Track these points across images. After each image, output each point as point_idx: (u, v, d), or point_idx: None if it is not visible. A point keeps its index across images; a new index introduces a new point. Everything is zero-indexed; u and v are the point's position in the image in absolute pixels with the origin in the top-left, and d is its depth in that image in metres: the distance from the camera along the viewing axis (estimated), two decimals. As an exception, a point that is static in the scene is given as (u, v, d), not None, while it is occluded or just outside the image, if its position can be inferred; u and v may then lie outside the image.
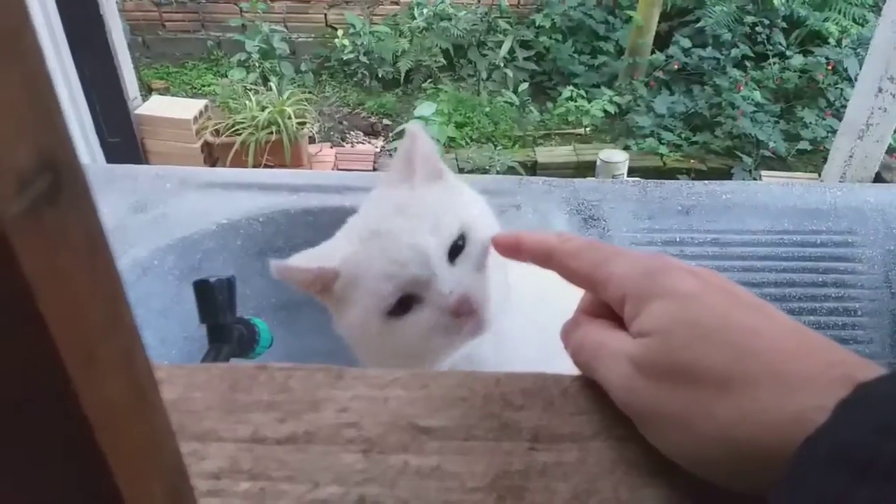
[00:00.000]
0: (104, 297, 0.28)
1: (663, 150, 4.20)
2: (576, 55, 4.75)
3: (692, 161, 4.18)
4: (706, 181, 1.69)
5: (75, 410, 0.25)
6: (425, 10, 4.49)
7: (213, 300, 0.84)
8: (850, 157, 3.50)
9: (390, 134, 4.38)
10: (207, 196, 1.54)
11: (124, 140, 2.98)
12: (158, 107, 3.12)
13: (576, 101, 4.42)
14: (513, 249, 0.61)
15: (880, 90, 3.22)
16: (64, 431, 0.25)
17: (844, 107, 3.70)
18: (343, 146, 4.19)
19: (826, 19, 4.42)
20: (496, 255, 0.65)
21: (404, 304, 0.66)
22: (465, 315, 0.65)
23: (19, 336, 0.23)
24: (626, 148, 4.21)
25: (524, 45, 4.74)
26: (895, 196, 1.68)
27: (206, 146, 3.13)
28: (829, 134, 3.96)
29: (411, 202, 0.67)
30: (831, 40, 4.36)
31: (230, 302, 0.86)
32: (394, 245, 0.65)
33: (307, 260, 0.69)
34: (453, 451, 0.49)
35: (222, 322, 0.85)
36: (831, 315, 1.53)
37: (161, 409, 0.32)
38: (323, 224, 1.61)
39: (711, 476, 0.42)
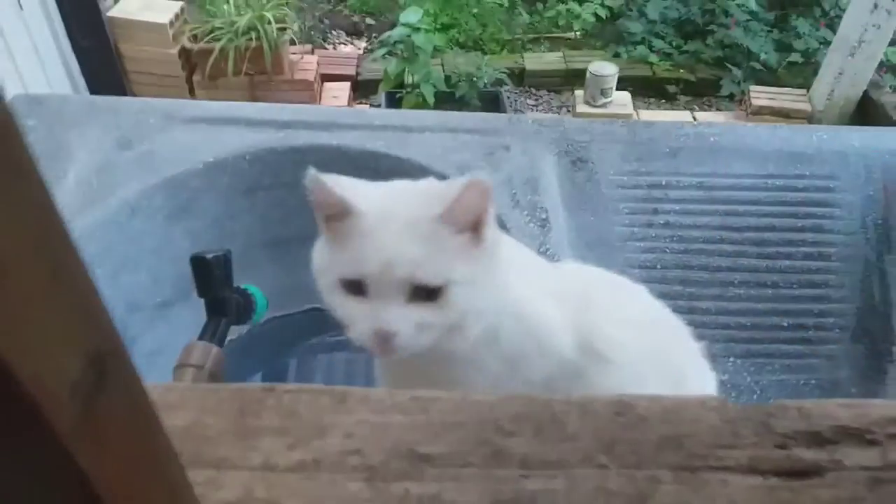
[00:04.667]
0: (152, 456, 0.31)
1: (653, 58, 4.12)
2: (568, -47, 4.55)
3: (681, 71, 4.11)
4: (695, 123, 1.69)
5: None
6: None
7: (211, 275, 0.86)
8: (840, 73, 3.47)
9: (374, 35, 4.24)
10: (193, 132, 1.52)
11: (97, 43, 2.87)
12: (132, 8, 2.98)
13: (567, 4, 4.28)
14: None
15: (875, 6, 3.16)
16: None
17: (839, 17, 3.63)
18: (326, 48, 4.06)
19: (829, -79, 4.25)
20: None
21: (355, 286, 0.72)
22: (377, 342, 0.72)
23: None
24: (616, 56, 4.13)
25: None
26: (879, 140, 1.70)
27: (184, 52, 3.02)
28: (822, 46, 3.89)
29: (427, 232, 0.71)
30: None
31: (227, 275, 0.88)
32: (383, 243, 0.71)
33: (340, 185, 0.73)
34: (450, 478, 0.54)
35: (220, 295, 0.87)
36: (806, 259, 1.59)
37: None
38: (311, 162, 1.60)
39: None
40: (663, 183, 1.59)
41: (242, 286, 0.94)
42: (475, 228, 0.73)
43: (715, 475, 0.55)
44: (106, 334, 0.27)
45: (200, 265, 0.86)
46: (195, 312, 1.05)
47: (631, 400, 0.58)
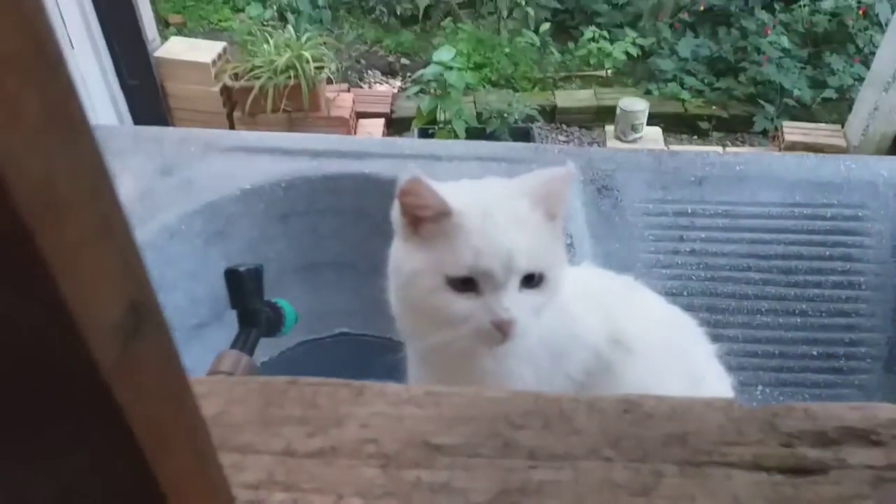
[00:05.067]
0: (177, 400, 0.34)
1: (685, 95, 4.14)
2: (600, -7, 4.64)
3: (714, 108, 4.13)
4: (720, 152, 1.71)
5: (152, 481, 0.32)
6: (445, -54, 4.39)
7: (243, 287, 0.91)
8: (875, 109, 3.45)
9: (408, 74, 4.35)
10: (231, 160, 1.59)
11: (144, 83, 3.00)
12: (178, 49, 3.13)
13: (598, 43, 4.34)
14: None
15: (910, 41, 3.15)
16: (148, 497, 0.33)
17: (873, 53, 3.62)
18: (361, 87, 4.17)
19: (860, -40, 4.27)
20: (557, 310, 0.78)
21: (465, 283, 0.75)
22: (501, 332, 0.74)
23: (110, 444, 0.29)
24: (648, 93, 4.16)
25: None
26: (907, 170, 1.69)
27: (225, 90, 3.15)
28: (856, 82, 3.88)
29: (527, 222, 0.75)
30: (865, -18, 4.23)
31: (258, 288, 0.92)
32: (498, 238, 0.74)
33: (436, 185, 0.75)
34: (461, 467, 0.56)
35: (251, 307, 0.92)
36: (835, 288, 1.57)
37: (217, 464, 0.40)
38: (343, 189, 1.66)
39: None
40: (689, 211, 1.60)
41: (273, 300, 0.99)
42: (554, 218, 0.77)
43: (719, 470, 0.56)
44: (144, 287, 0.31)
45: (234, 278, 0.91)
46: (229, 333, 1.10)
47: (638, 399, 0.60)
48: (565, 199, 0.77)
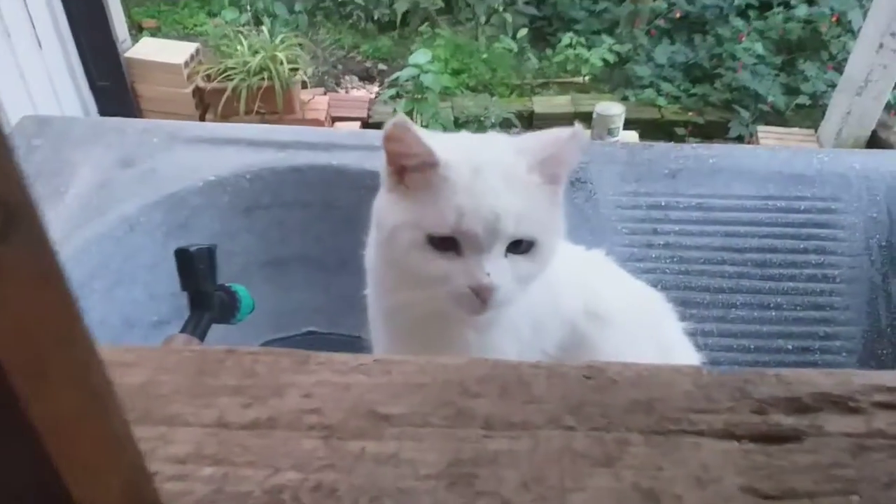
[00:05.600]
0: (56, 323, 0.29)
1: (661, 101, 4.15)
2: (576, 0, 4.65)
3: (690, 113, 4.14)
4: (693, 144, 1.69)
5: (24, 420, 0.27)
6: (422, -49, 4.38)
7: (194, 268, 0.86)
8: (848, 113, 3.47)
9: (385, 79, 4.33)
10: (195, 151, 1.54)
11: (114, 84, 2.95)
12: (149, 50, 3.07)
13: (575, 49, 4.35)
14: None
15: (881, 46, 3.18)
16: (16, 440, 0.28)
17: (846, 60, 3.66)
18: (337, 91, 4.13)
19: (834, -32, 4.32)
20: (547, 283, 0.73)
21: (447, 242, 0.70)
22: (480, 299, 0.69)
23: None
24: (625, 98, 4.17)
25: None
26: (881, 162, 1.68)
27: (198, 91, 3.10)
28: (829, 89, 3.91)
29: (522, 183, 0.70)
30: (837, -11, 4.27)
31: (211, 270, 0.88)
32: (486, 197, 0.68)
33: (426, 135, 0.70)
34: (410, 437, 0.52)
35: (203, 289, 0.87)
36: (810, 281, 1.56)
37: (118, 412, 0.35)
38: (311, 181, 1.62)
39: None
40: (663, 204, 1.58)
41: (228, 284, 0.94)
42: (555, 182, 0.73)
43: (687, 439, 0.52)
44: (15, 184, 0.27)
45: (184, 258, 0.86)
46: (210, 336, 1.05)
47: (602, 365, 0.56)
48: (570, 163, 0.72)
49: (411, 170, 0.70)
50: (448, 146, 0.71)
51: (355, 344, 1.02)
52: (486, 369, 0.55)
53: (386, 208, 0.74)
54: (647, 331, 0.87)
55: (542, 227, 0.71)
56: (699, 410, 0.52)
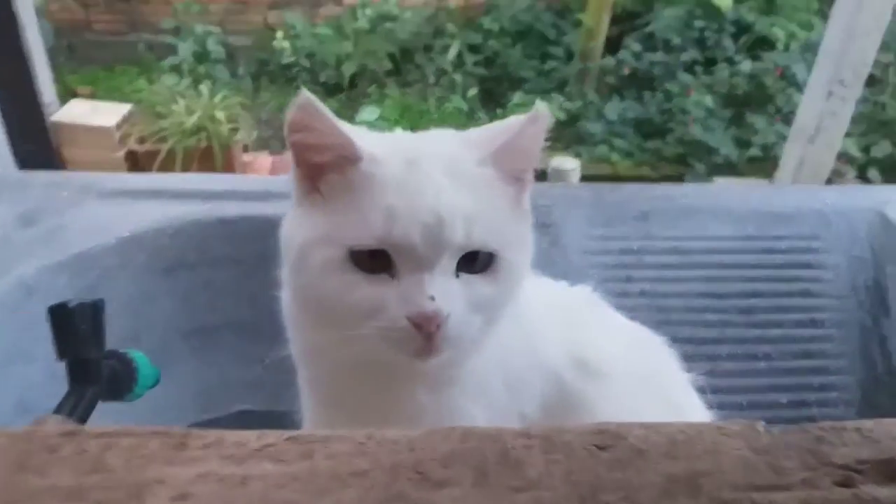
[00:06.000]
0: None
1: (615, 157, 4.12)
2: (525, 59, 4.65)
3: (644, 168, 4.11)
4: (663, 184, 1.58)
5: None
6: (368, 11, 4.34)
7: (74, 329, 0.68)
8: (801, 162, 3.46)
9: (335, 142, 4.20)
10: (110, 206, 1.36)
11: (39, 148, 2.75)
12: (78, 112, 2.89)
13: (526, 108, 4.31)
14: None
15: (830, 93, 3.18)
16: None
17: (793, 112, 3.69)
18: (282, 153, 3.99)
19: (773, 24, 4.42)
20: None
21: (376, 259, 0.53)
22: (423, 336, 0.52)
23: None
24: (578, 155, 4.13)
25: (473, 49, 4.62)
26: (856, 199, 1.60)
27: (131, 155, 2.91)
28: (780, 140, 3.93)
29: (471, 178, 0.55)
30: (779, 45, 4.36)
31: (96, 331, 0.69)
32: (423, 194, 0.52)
33: (340, 121, 0.55)
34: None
35: (86, 356, 0.68)
36: (798, 327, 1.43)
37: None
38: (242, 234, 1.43)
39: None
40: (635, 248, 1.44)
41: (123, 350, 0.75)
42: (518, 182, 0.59)
43: (754, 533, 0.36)
44: None
45: (60, 317, 0.68)
46: (99, 419, 0.85)
47: (616, 428, 0.39)
48: (533, 153, 0.58)
49: (326, 169, 0.55)
50: (374, 141, 0.57)
51: (299, 423, 0.84)
52: (453, 443, 0.38)
53: (293, 226, 0.59)
54: (651, 384, 0.72)
55: (503, 237, 0.55)
56: (764, 487, 0.36)
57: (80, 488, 0.35)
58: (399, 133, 0.64)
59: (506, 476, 0.36)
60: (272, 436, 0.39)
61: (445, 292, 0.52)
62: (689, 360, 1.40)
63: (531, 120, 0.57)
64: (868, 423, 0.40)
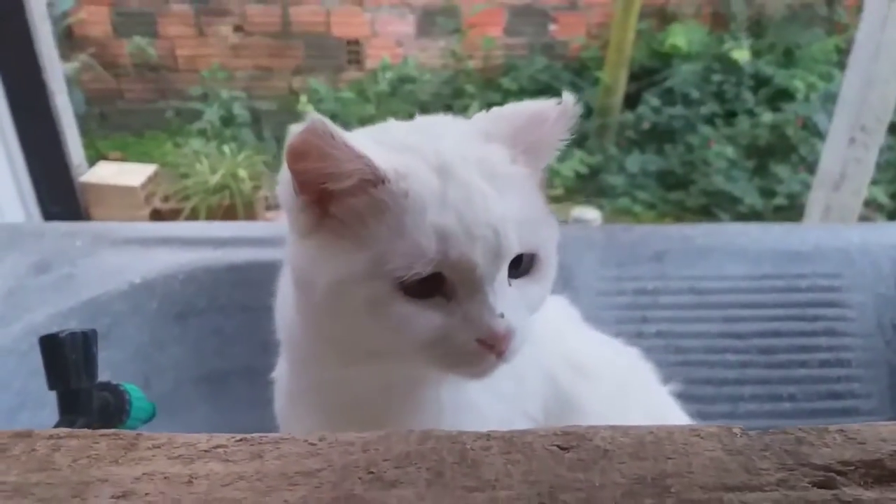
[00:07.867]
0: None
1: (637, 208, 4.10)
2: (546, 117, 4.71)
3: (667, 219, 4.08)
4: (677, 224, 1.56)
5: None
6: (388, 74, 4.45)
7: (64, 359, 0.67)
8: (827, 209, 3.40)
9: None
10: (122, 254, 1.38)
11: (67, 209, 2.82)
12: (105, 174, 2.98)
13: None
14: None
15: (853, 140, 3.15)
16: None
17: (817, 161, 3.65)
18: (307, 213, 4.04)
19: (792, 76, 4.43)
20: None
21: (427, 283, 0.49)
22: (496, 352, 0.49)
23: None
24: (601, 208, 4.12)
25: (492, 108, 4.69)
26: (881, 235, 1.55)
27: (155, 213, 2.98)
28: (805, 189, 3.89)
29: (509, 179, 0.52)
30: (799, 96, 4.36)
31: (87, 362, 0.69)
32: (472, 206, 0.49)
33: (353, 137, 0.50)
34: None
35: (76, 387, 0.68)
36: (823, 367, 1.38)
37: None
38: (253, 281, 1.43)
39: None
40: (650, 288, 1.42)
41: (116, 383, 0.74)
42: (537, 168, 0.57)
43: (727, 534, 0.33)
44: None
45: (51, 347, 0.67)
46: None
47: (583, 430, 0.37)
48: (556, 146, 0.57)
49: (342, 195, 0.51)
50: (381, 147, 0.52)
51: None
52: (410, 444, 0.36)
53: (310, 261, 0.53)
54: (635, 391, 0.70)
55: (541, 235, 0.54)
56: (736, 487, 0.33)
57: (25, 485, 0.34)
58: (393, 123, 0.59)
59: (462, 476, 0.34)
60: (223, 437, 0.38)
61: (509, 306, 0.49)
62: (709, 401, 1.36)
63: (562, 115, 0.55)
64: (854, 426, 0.37)
